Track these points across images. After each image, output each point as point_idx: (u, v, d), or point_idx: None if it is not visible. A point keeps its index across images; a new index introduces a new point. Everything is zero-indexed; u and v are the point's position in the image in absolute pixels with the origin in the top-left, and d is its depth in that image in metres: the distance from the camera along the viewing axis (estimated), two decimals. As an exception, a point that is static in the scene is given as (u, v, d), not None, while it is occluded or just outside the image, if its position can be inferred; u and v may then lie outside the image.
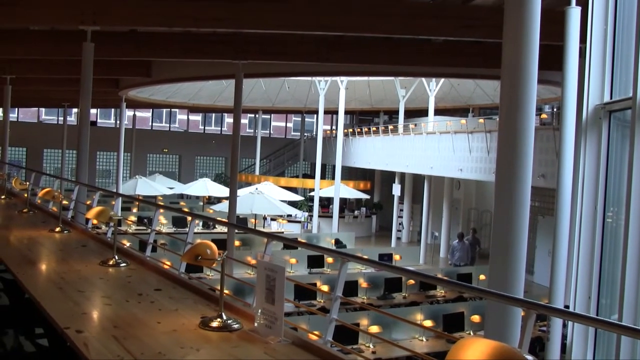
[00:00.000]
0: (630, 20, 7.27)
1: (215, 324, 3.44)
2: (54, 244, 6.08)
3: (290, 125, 41.87)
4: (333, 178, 27.05)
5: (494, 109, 27.65)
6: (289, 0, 11.07)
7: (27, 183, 9.49)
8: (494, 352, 2.03)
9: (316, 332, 5.00)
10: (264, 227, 23.66)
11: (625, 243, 6.63)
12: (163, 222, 20.51)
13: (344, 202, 29.24)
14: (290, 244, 15.43)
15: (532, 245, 19.43)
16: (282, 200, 23.06)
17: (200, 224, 20.12)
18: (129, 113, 32.76)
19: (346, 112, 29.19)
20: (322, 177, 29.01)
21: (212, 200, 28.19)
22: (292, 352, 3.18)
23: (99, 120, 36.76)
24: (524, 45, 5.92)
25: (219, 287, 3.59)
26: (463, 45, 13.67)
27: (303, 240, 14.83)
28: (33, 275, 4.67)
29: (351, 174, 33.52)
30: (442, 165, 21.09)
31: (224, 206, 20.76)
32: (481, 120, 20.23)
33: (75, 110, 31.37)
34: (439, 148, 21.25)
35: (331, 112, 32.27)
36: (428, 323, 10.68)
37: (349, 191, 28.37)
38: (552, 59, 9.30)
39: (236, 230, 15.71)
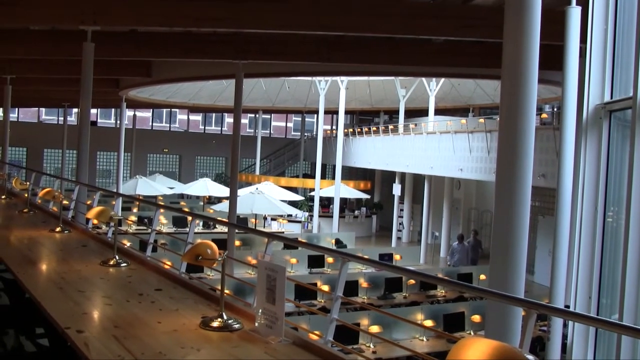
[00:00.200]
0: (631, 20, 7.27)
1: (215, 324, 3.44)
2: (54, 244, 6.08)
3: (290, 125, 41.87)
4: (333, 178, 27.05)
5: (494, 108, 27.64)
6: (289, 0, 11.07)
7: (28, 183, 9.49)
8: (495, 352, 2.03)
9: (317, 332, 5.00)
10: (264, 227, 23.67)
11: (625, 243, 6.62)
12: (163, 222, 20.51)
13: (344, 202, 29.24)
14: (290, 243, 15.42)
15: (532, 245, 19.43)
16: (282, 200, 23.06)
17: (201, 223, 20.13)
18: (129, 113, 32.75)
19: (346, 112, 29.19)
20: (323, 177, 29.01)
21: (212, 200, 28.19)
22: (293, 352, 3.18)
23: (99, 120, 36.77)
24: (525, 45, 5.92)
25: (219, 287, 3.58)
26: (463, 45, 13.67)
27: (303, 240, 14.82)
28: (33, 275, 4.67)
29: (351, 173, 33.52)
30: (443, 165, 21.08)
31: (224, 206, 20.76)
32: (481, 120, 20.23)
33: (75, 110, 31.37)
34: (439, 148, 21.25)
35: (331, 112, 32.27)
36: (428, 323, 10.68)
37: (349, 191, 28.37)
38: (553, 59, 9.30)
39: (236, 230, 15.72)
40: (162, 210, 16.12)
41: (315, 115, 34.26)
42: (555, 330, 8.47)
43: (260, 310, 3.39)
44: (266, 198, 21.19)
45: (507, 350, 2.05)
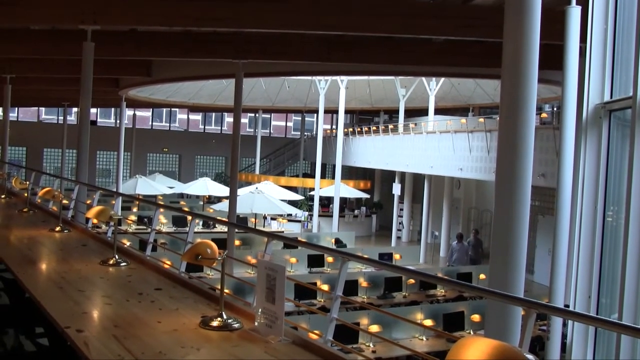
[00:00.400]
0: (631, 19, 7.27)
1: (215, 323, 3.44)
2: (54, 244, 6.08)
3: (290, 124, 41.87)
4: (333, 177, 27.04)
5: (494, 108, 27.65)
6: (290, 0, 11.06)
7: (27, 182, 9.49)
8: (495, 352, 2.03)
9: (316, 332, 5.00)
10: (264, 226, 23.66)
11: (625, 242, 6.63)
12: (163, 222, 20.52)
13: (344, 201, 29.24)
14: (290, 243, 15.46)
15: (532, 244, 19.44)
16: (282, 200, 23.06)
17: (201, 223, 20.14)
18: (129, 112, 32.76)
19: (346, 112, 29.19)
20: (322, 176, 29.00)
21: (212, 200, 28.19)
22: (293, 351, 3.18)
23: (99, 120, 36.78)
24: (524, 44, 5.92)
25: (219, 287, 3.58)
26: (463, 45, 13.67)
27: (303, 240, 14.81)
28: (33, 274, 4.67)
29: (351, 173, 33.52)
30: (442, 164, 21.08)
31: (224, 205, 20.76)
32: (481, 120, 20.24)
33: (75, 109, 31.37)
34: (439, 147, 21.25)
35: (331, 112, 32.26)
36: (428, 322, 10.68)
37: (349, 190, 28.37)
38: (553, 59, 9.30)
39: (236, 230, 15.73)
40: (161, 210, 16.13)
41: (315, 115, 34.25)
42: (554, 330, 8.48)
43: (260, 310, 3.39)
44: (266, 197, 21.18)
45: (506, 349, 2.05)
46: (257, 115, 34.91)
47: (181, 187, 28.61)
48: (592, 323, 5.39)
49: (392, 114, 32.17)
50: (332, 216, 25.38)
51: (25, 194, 8.82)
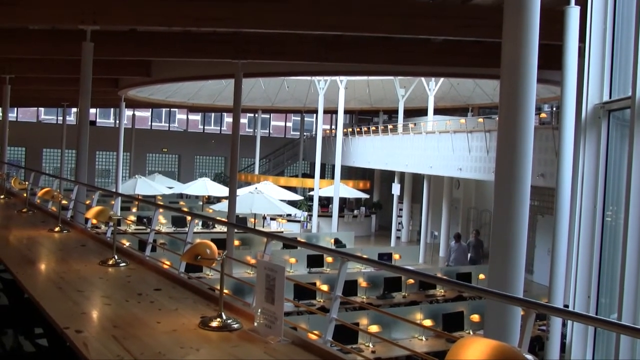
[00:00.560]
0: (630, 19, 7.27)
1: (215, 323, 3.44)
2: (53, 244, 6.08)
3: (289, 124, 41.87)
4: (332, 177, 27.05)
5: (493, 108, 27.65)
6: (289, 0, 11.06)
7: (27, 183, 9.48)
8: (494, 352, 2.03)
9: (316, 332, 5.00)
10: (263, 226, 23.66)
11: (624, 242, 6.63)
12: (162, 222, 20.51)
13: (343, 201, 29.23)
14: (289, 243, 15.46)
15: (531, 244, 19.44)
16: (281, 200, 23.06)
17: (200, 223, 20.13)
18: (128, 113, 32.75)
19: (346, 112, 29.18)
20: (322, 176, 29.01)
21: (211, 200, 28.19)
22: (292, 351, 3.18)
23: (98, 120, 36.75)
24: (524, 44, 5.92)
25: (218, 287, 3.58)
26: (463, 45, 13.67)
27: (303, 240, 14.83)
28: (32, 275, 4.67)
29: (351, 173, 33.52)
30: (442, 164, 21.09)
31: (223, 206, 20.76)
32: (480, 120, 20.24)
33: (74, 109, 31.38)
34: (439, 147, 21.26)
35: (331, 112, 32.27)
36: (428, 322, 10.68)
37: (348, 191, 28.37)
38: (552, 59, 9.31)
39: (236, 230, 15.72)
40: (161, 210, 16.14)
41: (315, 115, 34.26)
42: (554, 330, 8.48)
43: (259, 310, 3.39)
44: (265, 198, 21.19)
45: (506, 349, 2.05)
46: (256, 115, 34.90)
47: (180, 187, 28.60)
48: (592, 323, 5.40)
49: (392, 114, 32.18)
50: (331, 216, 25.38)
51: (25, 194, 8.82)
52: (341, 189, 25.53)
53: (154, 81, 20.08)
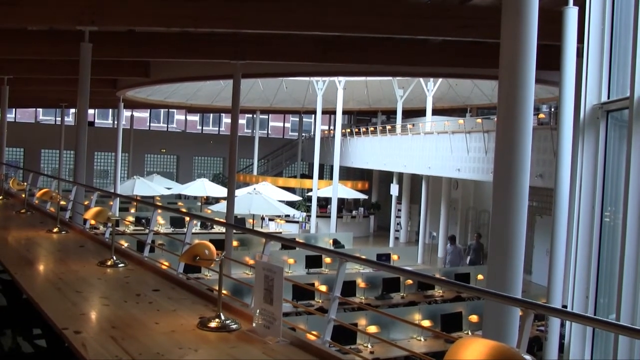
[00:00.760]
0: (628, 20, 7.29)
1: (213, 324, 3.44)
2: (51, 245, 6.07)
3: (288, 125, 41.88)
4: (331, 178, 27.05)
5: (491, 109, 27.67)
6: (289, 0, 11.06)
7: (25, 183, 9.47)
8: (492, 352, 2.03)
9: (314, 332, 5.00)
10: (262, 227, 23.67)
11: (622, 242, 6.64)
12: (161, 223, 20.50)
13: (342, 202, 29.24)
14: (288, 244, 15.45)
15: (530, 245, 19.46)
16: (280, 201, 23.07)
17: (198, 224, 20.11)
18: (126, 113, 32.73)
19: (344, 112, 29.19)
20: (320, 177, 29.01)
21: (210, 201, 28.19)
22: (291, 352, 3.18)
23: (96, 121, 36.74)
24: (522, 45, 5.93)
25: (217, 288, 3.58)
26: (461, 45, 13.67)
27: (301, 241, 14.83)
28: (31, 275, 4.66)
29: (349, 174, 33.54)
30: (440, 165, 21.10)
31: (222, 206, 20.75)
32: (479, 120, 20.24)
33: (72, 110, 31.37)
34: (437, 148, 21.27)
35: (329, 112, 32.25)
36: (426, 323, 10.68)
37: (347, 191, 28.37)
38: (550, 59, 9.32)
39: (234, 231, 15.70)
40: (159, 211, 16.06)
41: (313, 116, 34.26)
42: (552, 330, 8.49)
43: (258, 311, 3.39)
44: (264, 198, 21.19)
45: (504, 350, 2.05)
46: (254, 116, 34.90)
47: (179, 188, 28.59)
48: (590, 323, 5.39)
49: (390, 114, 32.20)
50: (330, 217, 25.37)
51: (23, 195, 8.81)
52: (340, 190, 25.54)
53: (153, 82, 20.05)
